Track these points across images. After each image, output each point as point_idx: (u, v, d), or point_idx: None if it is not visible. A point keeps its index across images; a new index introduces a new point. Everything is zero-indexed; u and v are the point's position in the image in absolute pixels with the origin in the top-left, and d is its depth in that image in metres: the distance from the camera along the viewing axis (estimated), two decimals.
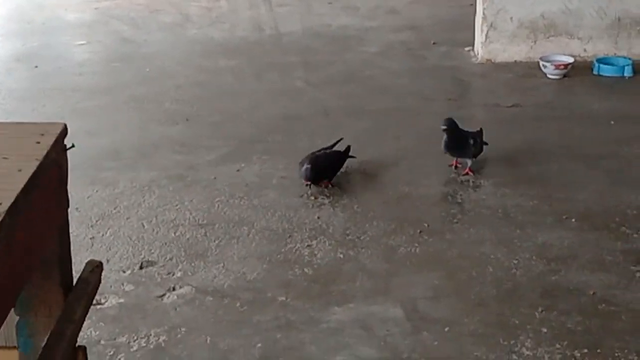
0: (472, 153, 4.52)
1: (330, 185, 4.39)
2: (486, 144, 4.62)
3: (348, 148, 4.60)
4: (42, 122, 2.06)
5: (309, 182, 4.36)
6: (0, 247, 1.53)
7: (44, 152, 1.81)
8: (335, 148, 4.62)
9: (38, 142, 1.85)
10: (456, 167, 4.56)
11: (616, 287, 3.52)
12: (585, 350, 3.12)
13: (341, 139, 4.66)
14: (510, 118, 5.36)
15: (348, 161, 4.59)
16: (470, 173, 4.50)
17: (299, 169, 4.39)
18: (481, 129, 4.66)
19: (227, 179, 4.54)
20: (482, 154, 4.59)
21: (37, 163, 1.76)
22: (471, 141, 4.51)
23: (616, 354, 3.10)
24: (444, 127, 4.46)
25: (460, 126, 4.56)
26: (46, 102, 5.77)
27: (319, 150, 4.53)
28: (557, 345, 3.15)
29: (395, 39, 6.99)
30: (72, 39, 7.26)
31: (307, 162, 4.34)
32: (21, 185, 1.66)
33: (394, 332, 3.25)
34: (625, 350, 3.11)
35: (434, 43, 6.82)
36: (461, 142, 4.50)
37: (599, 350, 3.12)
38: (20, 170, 1.72)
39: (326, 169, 4.42)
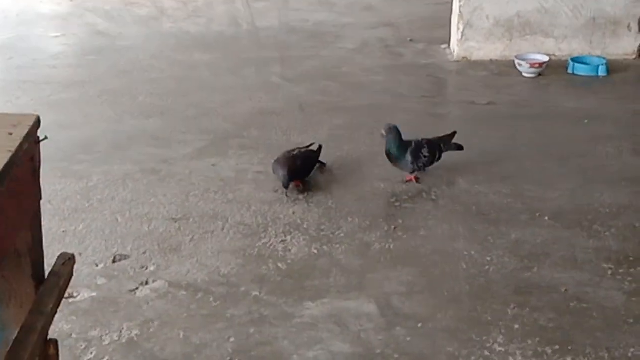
0: (411, 168, 4.35)
1: (301, 185, 4.36)
2: (461, 148, 4.55)
3: (319, 148, 4.58)
4: (15, 113, 2.04)
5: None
6: None
7: (17, 144, 1.79)
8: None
9: (10, 134, 1.84)
10: (417, 180, 4.40)
11: (588, 284, 3.54)
12: (557, 347, 3.14)
13: (313, 143, 4.63)
14: (485, 116, 5.38)
15: (326, 156, 4.59)
16: (413, 180, 4.40)
17: (275, 170, 4.35)
18: (453, 132, 4.56)
19: (202, 174, 4.53)
20: (461, 152, 4.55)
21: (9, 154, 1.74)
22: (409, 158, 4.31)
23: (587, 351, 3.11)
24: (384, 132, 4.31)
25: (434, 129, 4.49)
26: (20, 94, 5.72)
27: (294, 150, 4.50)
28: (529, 342, 3.16)
29: (372, 35, 7.00)
30: (47, 31, 7.21)
31: (283, 168, 4.28)
32: None
33: (367, 327, 3.26)
34: (596, 347, 3.13)
35: (410, 40, 6.83)
36: (400, 152, 4.32)
37: (570, 347, 3.14)
38: None
39: (301, 170, 4.38)
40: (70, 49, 6.79)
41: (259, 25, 7.29)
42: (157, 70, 6.23)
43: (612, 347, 3.13)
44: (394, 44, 6.80)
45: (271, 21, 7.37)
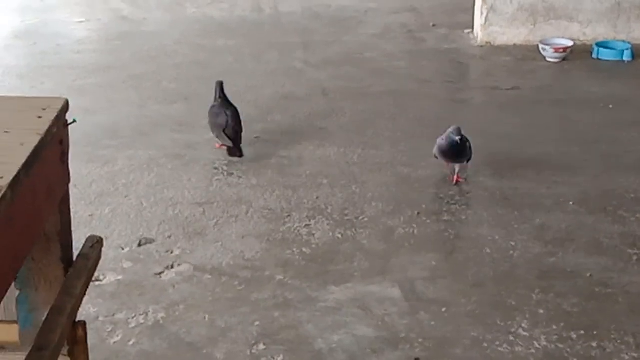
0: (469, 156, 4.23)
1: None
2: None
3: None
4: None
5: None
6: (1, 221, 1.53)
7: (46, 127, 1.80)
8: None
9: (40, 117, 1.85)
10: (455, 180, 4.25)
11: (613, 269, 3.53)
12: (582, 332, 3.13)
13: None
14: (509, 101, 5.36)
15: (349, 141, 4.58)
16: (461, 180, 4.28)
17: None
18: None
19: (226, 158, 4.54)
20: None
21: (38, 137, 1.75)
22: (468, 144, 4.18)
23: (612, 336, 3.11)
24: (458, 139, 4.09)
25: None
26: (45, 80, 5.76)
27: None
28: (554, 327, 3.16)
29: (395, 20, 6.98)
30: (71, 16, 7.23)
31: None
32: (23, 160, 1.66)
33: (391, 312, 3.26)
34: (621, 332, 3.12)
35: (433, 25, 6.81)
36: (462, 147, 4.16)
37: (595, 332, 3.13)
38: (22, 145, 1.71)
39: None
40: (95, 35, 6.81)
41: (282, 11, 7.28)
42: (181, 55, 6.25)
43: (637, 333, 3.12)
44: (417, 29, 6.77)
45: (294, 6, 7.35)
